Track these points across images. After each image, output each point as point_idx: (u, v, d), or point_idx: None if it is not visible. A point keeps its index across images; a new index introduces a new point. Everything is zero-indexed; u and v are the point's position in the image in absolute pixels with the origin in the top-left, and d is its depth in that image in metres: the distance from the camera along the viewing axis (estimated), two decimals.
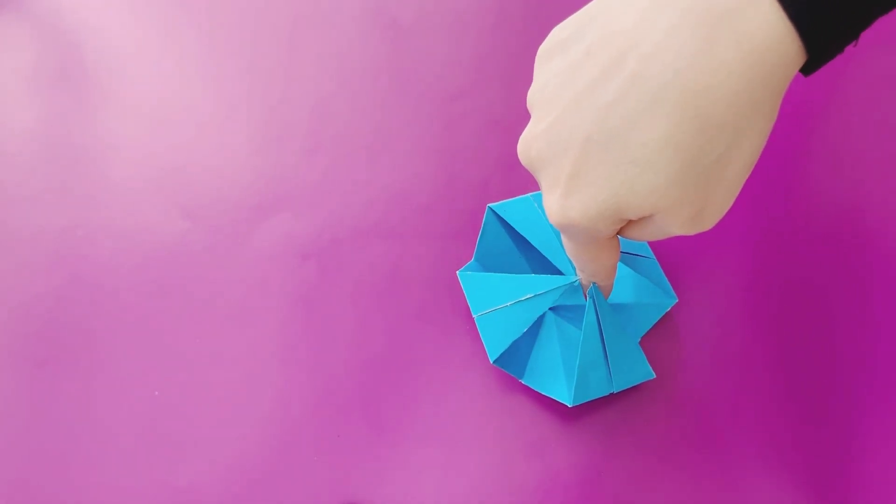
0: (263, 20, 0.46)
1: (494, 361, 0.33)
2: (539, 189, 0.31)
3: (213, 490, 0.34)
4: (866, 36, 0.21)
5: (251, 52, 0.45)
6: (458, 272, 0.36)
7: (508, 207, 0.34)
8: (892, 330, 0.36)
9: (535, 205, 0.34)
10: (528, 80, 0.41)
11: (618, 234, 0.24)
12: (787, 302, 0.37)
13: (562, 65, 0.21)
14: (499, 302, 0.33)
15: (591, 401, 0.33)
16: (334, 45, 0.45)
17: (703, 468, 0.34)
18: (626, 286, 0.35)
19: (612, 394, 0.33)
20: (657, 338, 0.36)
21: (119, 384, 0.37)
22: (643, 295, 0.35)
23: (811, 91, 0.42)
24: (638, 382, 0.34)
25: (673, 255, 0.37)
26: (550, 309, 0.34)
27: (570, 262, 0.33)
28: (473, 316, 0.34)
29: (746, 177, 0.21)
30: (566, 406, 0.33)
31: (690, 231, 0.21)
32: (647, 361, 0.34)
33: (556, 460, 0.34)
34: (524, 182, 0.40)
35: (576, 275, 0.32)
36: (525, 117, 0.36)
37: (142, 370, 0.37)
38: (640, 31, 0.19)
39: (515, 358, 0.34)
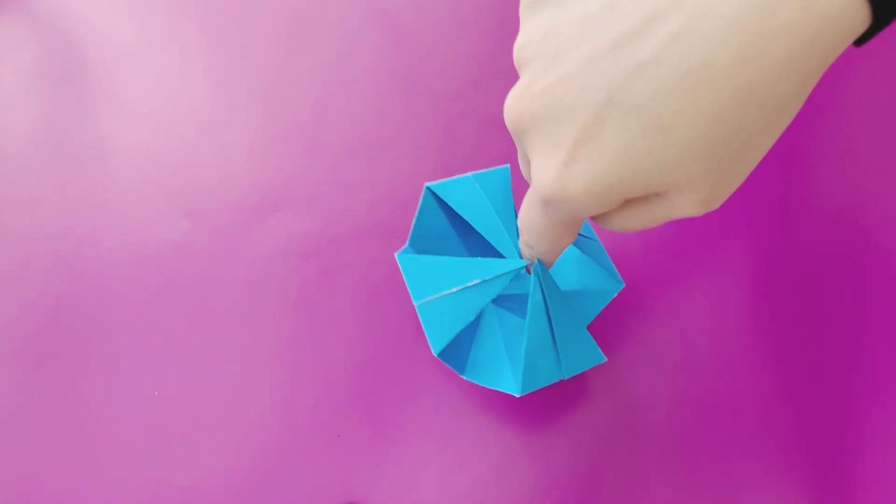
0: (263, 20, 0.46)
1: (439, 355, 0.30)
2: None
3: (213, 489, 0.34)
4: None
5: (251, 53, 0.45)
6: (396, 254, 0.32)
7: (448, 187, 0.31)
8: (886, 326, 0.36)
9: (477, 185, 0.31)
10: None
11: (605, 220, 0.22)
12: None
13: (568, 16, 0.19)
14: (443, 288, 0.29)
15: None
16: (334, 45, 0.45)
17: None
18: (573, 270, 0.32)
19: (562, 380, 0.32)
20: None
21: (119, 384, 0.37)
22: (591, 281, 0.33)
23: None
24: (589, 367, 0.31)
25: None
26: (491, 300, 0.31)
27: (514, 246, 0.30)
28: (414, 303, 0.30)
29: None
30: (558, 404, 0.33)
31: (699, 212, 0.20)
32: (597, 345, 0.31)
33: (554, 459, 0.34)
34: (524, 182, 0.40)
35: (521, 259, 0.29)
36: None
37: (142, 370, 0.37)
38: None
39: (457, 351, 0.31)
